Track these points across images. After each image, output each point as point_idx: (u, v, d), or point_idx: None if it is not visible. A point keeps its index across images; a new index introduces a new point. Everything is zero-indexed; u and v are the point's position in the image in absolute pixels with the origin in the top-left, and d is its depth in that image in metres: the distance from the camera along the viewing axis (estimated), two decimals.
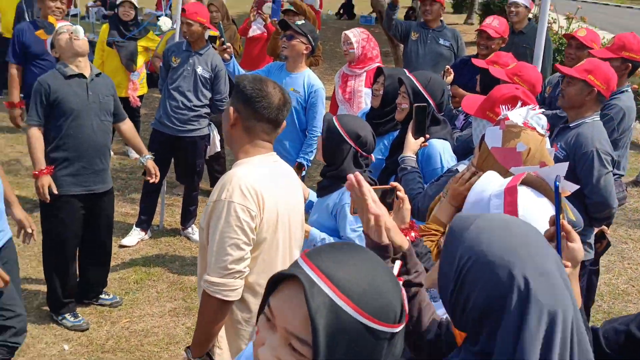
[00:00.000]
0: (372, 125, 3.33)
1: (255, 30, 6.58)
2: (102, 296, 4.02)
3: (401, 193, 1.98)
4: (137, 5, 5.96)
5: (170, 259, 4.67)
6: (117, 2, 5.96)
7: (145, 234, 4.89)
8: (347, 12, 23.55)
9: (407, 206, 1.98)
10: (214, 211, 2.04)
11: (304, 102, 4.08)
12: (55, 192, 3.47)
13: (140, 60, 5.94)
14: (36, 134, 3.46)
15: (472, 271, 1.12)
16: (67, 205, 3.57)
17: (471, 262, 1.13)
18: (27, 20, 5.91)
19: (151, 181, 3.99)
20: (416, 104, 2.81)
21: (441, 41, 5.27)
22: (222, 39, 4.29)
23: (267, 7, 6.77)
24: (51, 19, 4.64)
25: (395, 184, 2.00)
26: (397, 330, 1.00)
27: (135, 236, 4.81)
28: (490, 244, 1.12)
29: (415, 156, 2.83)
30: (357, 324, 0.95)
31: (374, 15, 23.06)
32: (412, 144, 2.82)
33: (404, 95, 3.00)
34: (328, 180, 2.77)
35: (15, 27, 5.34)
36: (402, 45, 8.01)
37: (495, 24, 4.49)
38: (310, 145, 4.14)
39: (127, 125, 3.91)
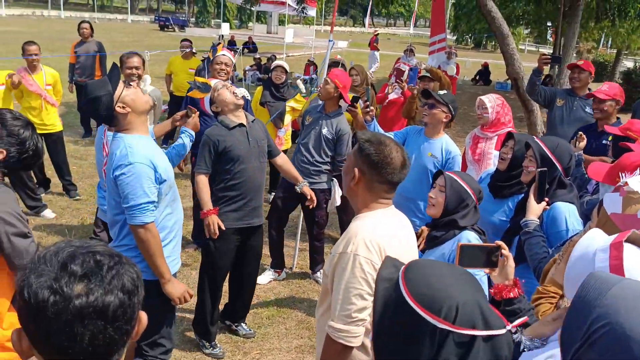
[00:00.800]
0: (497, 187, 3.39)
1: (393, 94, 6.87)
2: (243, 325, 4.33)
3: (506, 251, 2.04)
4: (288, 70, 6.51)
5: (299, 300, 4.91)
6: (271, 67, 6.56)
7: (279, 274, 5.21)
8: (483, 78, 23.44)
9: (511, 263, 2.04)
10: (340, 262, 2.12)
11: (441, 167, 4.16)
12: (223, 228, 3.80)
13: (287, 118, 6.42)
14: (204, 180, 3.84)
15: (605, 338, 1.08)
16: (227, 237, 3.90)
17: (605, 330, 1.09)
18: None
19: (311, 206, 4.33)
20: (539, 169, 2.84)
21: (587, 109, 5.20)
22: (367, 102, 4.55)
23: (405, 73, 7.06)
24: (200, 79, 5.21)
25: (500, 242, 2.05)
26: (441, 325, 1.12)
27: (268, 276, 5.14)
28: (628, 316, 1.08)
29: (537, 220, 2.84)
30: (401, 298, 1.17)
31: (509, 82, 22.75)
32: (535, 208, 2.84)
33: (530, 158, 3.05)
34: (440, 230, 2.82)
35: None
36: (535, 112, 7.92)
37: (604, 87, 4.62)
38: None
39: (282, 159, 4.25)
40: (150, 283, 2.87)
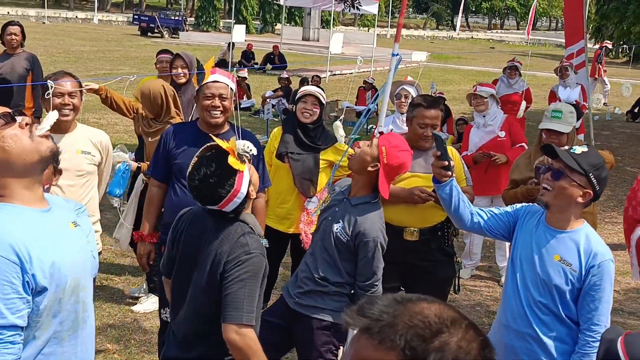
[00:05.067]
0: None
1: None
2: None
3: None
4: (324, 100, 6.14)
5: None
6: (297, 97, 6.23)
7: None
8: None
9: None
10: None
11: (578, 281, 3.71)
12: None
13: (323, 180, 6.05)
14: None
15: None
16: None
17: None
18: None
19: None
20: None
21: None
22: (439, 153, 4.18)
23: None
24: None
25: None
26: None
27: None
28: None
29: None
30: None
31: None
32: None
33: None
34: None
35: None
36: None
37: None
38: (588, 355, 3.64)
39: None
40: None
